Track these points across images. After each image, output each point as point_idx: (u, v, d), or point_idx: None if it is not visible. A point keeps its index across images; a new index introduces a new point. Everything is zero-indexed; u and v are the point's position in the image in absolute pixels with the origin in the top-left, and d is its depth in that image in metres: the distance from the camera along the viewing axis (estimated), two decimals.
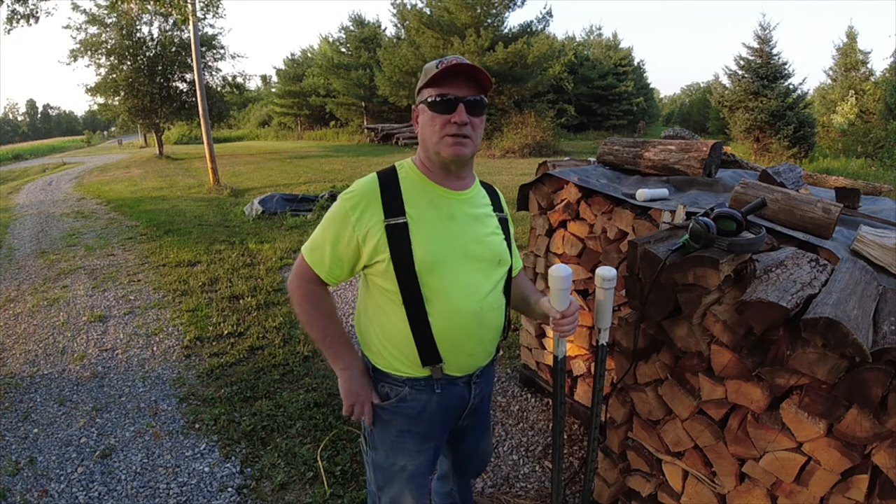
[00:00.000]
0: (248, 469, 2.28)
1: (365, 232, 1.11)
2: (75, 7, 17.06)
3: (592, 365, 2.33)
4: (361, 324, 1.26)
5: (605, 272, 1.24)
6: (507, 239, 1.28)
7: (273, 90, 35.47)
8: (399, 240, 1.10)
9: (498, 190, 1.36)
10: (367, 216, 1.11)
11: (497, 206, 1.30)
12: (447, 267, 1.13)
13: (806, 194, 1.71)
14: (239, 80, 20.52)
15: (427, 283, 1.11)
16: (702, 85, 39.96)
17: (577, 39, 32.24)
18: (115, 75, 18.40)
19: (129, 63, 18.34)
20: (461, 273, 1.15)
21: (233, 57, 25.41)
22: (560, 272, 1.13)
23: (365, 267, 1.15)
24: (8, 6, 9.46)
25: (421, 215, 1.12)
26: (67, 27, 17.45)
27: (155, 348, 3.51)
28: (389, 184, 1.14)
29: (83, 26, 17.65)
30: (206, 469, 2.30)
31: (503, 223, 1.28)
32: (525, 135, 17.66)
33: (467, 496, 1.66)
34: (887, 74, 17.66)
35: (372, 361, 1.24)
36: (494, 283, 1.22)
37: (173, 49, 18.99)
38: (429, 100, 1.11)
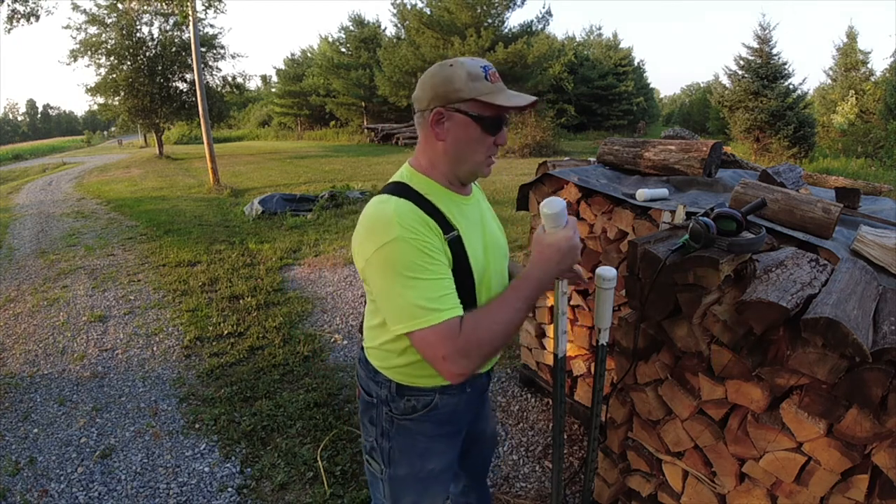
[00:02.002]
0: (248, 469, 2.28)
1: (440, 247, 1.01)
2: (75, 7, 17.09)
3: (592, 365, 2.33)
4: (378, 345, 1.16)
5: (606, 272, 1.24)
6: None
7: (273, 90, 35.46)
8: (459, 254, 1.04)
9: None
10: (434, 234, 1.00)
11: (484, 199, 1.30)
12: (486, 273, 1.12)
13: (806, 194, 1.71)
14: (239, 80, 20.54)
15: (480, 292, 1.10)
16: (702, 85, 39.95)
17: (577, 39, 32.24)
18: (115, 75, 18.40)
19: (129, 63, 18.34)
20: (494, 276, 1.15)
21: (233, 57, 25.43)
22: (553, 207, 1.03)
23: None
24: (8, 5, 9.47)
25: (461, 226, 1.06)
26: (67, 27, 17.46)
27: (155, 348, 3.51)
28: (422, 202, 1.03)
29: (83, 26, 17.66)
30: (206, 469, 2.30)
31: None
32: (525, 135, 17.65)
33: (484, 498, 1.62)
34: (887, 74, 17.67)
35: (395, 380, 1.15)
36: (507, 277, 1.23)
37: (173, 49, 18.98)
38: (484, 116, 1.02)
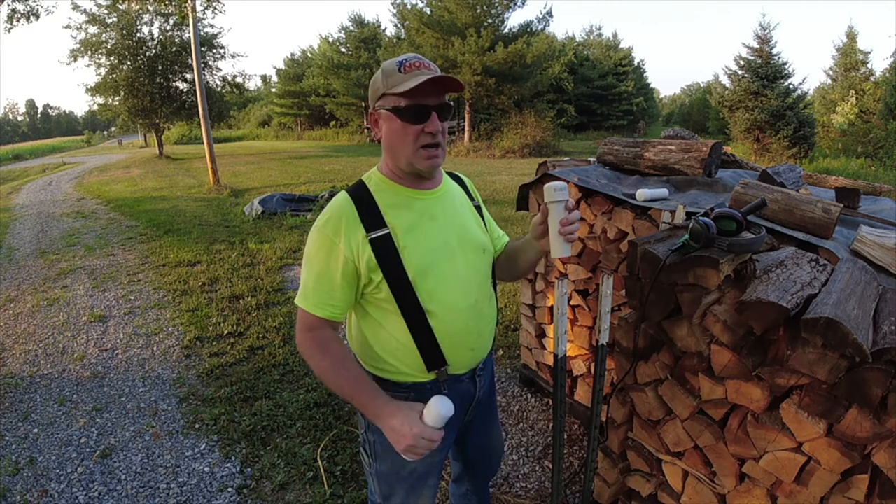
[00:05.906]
0: (248, 469, 2.28)
1: (355, 251, 1.06)
2: (75, 7, 17.09)
3: (592, 365, 2.33)
4: (354, 338, 1.22)
5: (557, 183, 1.09)
6: (485, 225, 1.29)
7: (273, 90, 35.47)
8: (386, 252, 1.07)
9: (464, 177, 1.34)
10: (350, 235, 1.06)
11: (468, 195, 1.30)
12: (438, 268, 1.11)
13: (806, 194, 1.71)
14: (239, 79, 20.51)
15: (422, 288, 1.09)
16: (702, 85, 39.96)
17: (577, 39, 32.24)
18: (115, 75, 18.41)
19: (129, 63, 18.34)
20: (452, 271, 1.14)
21: (233, 56, 25.40)
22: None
23: (364, 286, 1.10)
24: (8, 5, 9.47)
25: (402, 223, 1.10)
26: (67, 27, 17.48)
27: (155, 348, 3.51)
28: (362, 198, 1.10)
29: (83, 26, 17.66)
30: (206, 469, 2.30)
31: (478, 210, 1.29)
32: (525, 135, 17.68)
33: (485, 500, 1.63)
34: (887, 74, 17.64)
35: (371, 372, 1.20)
36: (484, 273, 1.22)
37: (173, 49, 18.98)
38: (399, 107, 1.05)
